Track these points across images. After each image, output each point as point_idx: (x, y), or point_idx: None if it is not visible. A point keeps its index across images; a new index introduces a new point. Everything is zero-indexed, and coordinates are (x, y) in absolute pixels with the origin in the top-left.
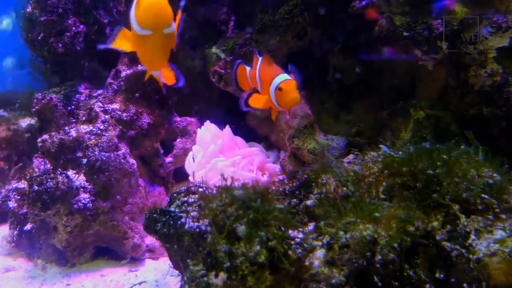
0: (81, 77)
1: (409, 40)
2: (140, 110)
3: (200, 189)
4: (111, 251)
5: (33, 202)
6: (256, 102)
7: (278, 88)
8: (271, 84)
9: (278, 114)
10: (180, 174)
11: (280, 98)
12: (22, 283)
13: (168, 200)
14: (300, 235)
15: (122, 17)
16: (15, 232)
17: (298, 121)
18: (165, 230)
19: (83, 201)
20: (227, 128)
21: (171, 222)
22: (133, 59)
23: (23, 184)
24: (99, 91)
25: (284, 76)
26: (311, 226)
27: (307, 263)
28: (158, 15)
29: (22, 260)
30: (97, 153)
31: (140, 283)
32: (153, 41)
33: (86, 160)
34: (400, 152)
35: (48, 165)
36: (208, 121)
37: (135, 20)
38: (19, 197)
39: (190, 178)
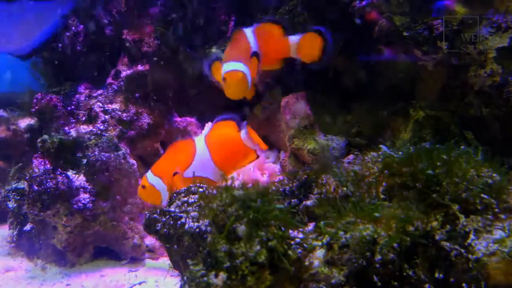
0: (81, 77)
1: (409, 40)
2: (140, 110)
3: (200, 189)
4: (111, 251)
5: (33, 202)
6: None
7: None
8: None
9: (278, 114)
10: None
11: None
12: (22, 283)
13: (168, 200)
14: (300, 235)
15: (122, 17)
16: (15, 232)
17: (298, 121)
18: (165, 230)
19: (83, 201)
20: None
21: (171, 222)
22: (133, 59)
23: (23, 184)
24: (99, 91)
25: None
26: (311, 226)
27: (307, 263)
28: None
29: (22, 260)
30: (97, 153)
31: (140, 283)
32: None
33: (86, 160)
34: (400, 152)
35: (48, 165)
36: (210, 123)
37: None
38: (19, 197)
39: None
